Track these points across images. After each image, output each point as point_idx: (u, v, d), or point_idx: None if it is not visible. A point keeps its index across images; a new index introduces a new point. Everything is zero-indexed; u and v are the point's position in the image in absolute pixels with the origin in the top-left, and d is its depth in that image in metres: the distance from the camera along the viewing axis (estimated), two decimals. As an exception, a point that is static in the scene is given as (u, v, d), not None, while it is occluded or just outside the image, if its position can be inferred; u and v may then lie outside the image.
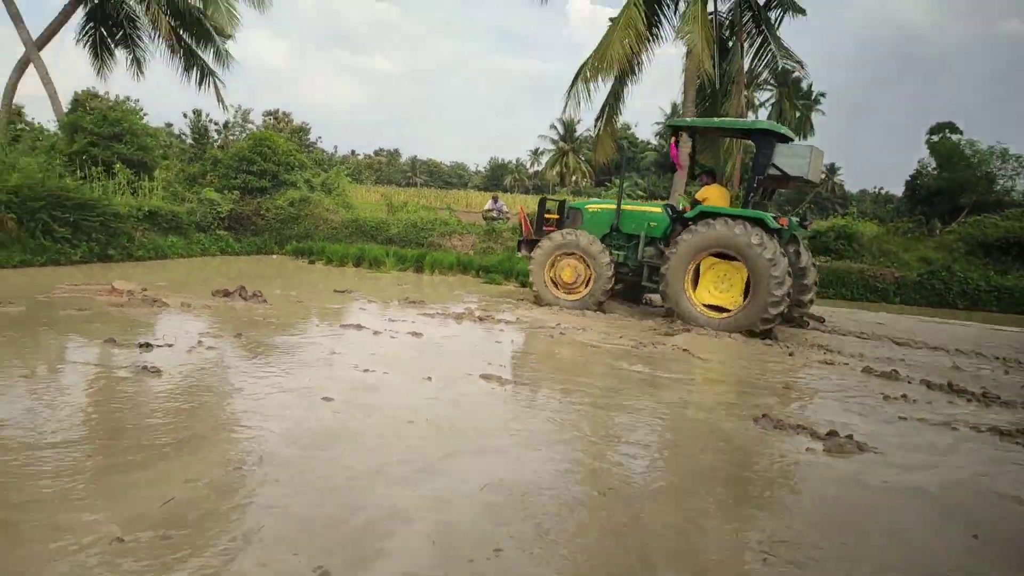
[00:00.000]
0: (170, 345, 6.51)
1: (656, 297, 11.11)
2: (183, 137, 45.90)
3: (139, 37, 26.79)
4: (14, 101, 24.21)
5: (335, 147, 56.41)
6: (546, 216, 11.39)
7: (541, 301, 10.69)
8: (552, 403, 5.48)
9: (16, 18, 22.57)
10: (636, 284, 10.69)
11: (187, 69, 26.11)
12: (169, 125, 44.96)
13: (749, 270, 9.02)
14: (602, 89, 20.93)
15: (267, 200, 18.26)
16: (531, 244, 11.12)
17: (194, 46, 25.97)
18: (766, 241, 8.88)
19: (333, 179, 20.89)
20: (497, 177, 77.36)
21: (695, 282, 9.55)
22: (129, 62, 27.09)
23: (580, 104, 20.43)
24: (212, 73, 26.16)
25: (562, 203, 11.58)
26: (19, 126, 27.92)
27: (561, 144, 66.51)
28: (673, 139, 10.86)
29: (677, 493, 3.88)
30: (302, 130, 51.63)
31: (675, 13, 20.86)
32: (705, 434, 4.98)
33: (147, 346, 6.35)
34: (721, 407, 5.71)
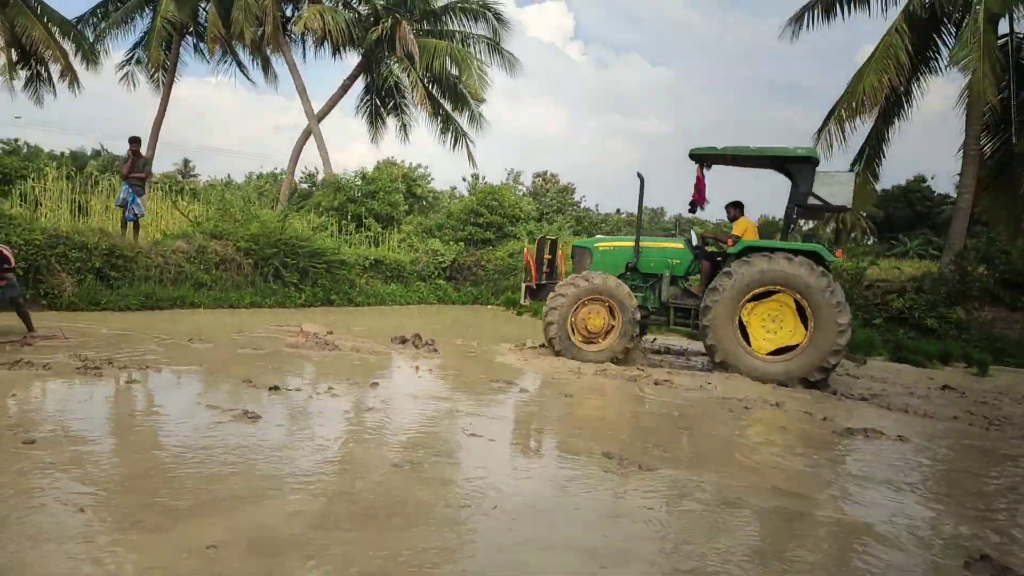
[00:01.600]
0: (299, 390, 6.28)
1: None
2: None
3: (406, 105, 29.63)
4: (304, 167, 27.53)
5: (596, 205, 57.27)
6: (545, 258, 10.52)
7: (560, 354, 9.20)
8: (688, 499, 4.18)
9: (302, 93, 26.02)
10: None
11: (443, 132, 28.26)
12: (453, 188, 48.57)
13: (812, 311, 8.23)
14: (861, 129, 18.40)
15: (489, 251, 18.53)
16: (536, 291, 10.23)
17: (451, 110, 28.08)
18: (832, 281, 8.25)
19: (554, 233, 20.74)
20: (765, 235, 72.78)
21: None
22: (398, 128, 30.12)
23: (832, 147, 18.11)
24: (465, 135, 28.01)
25: (553, 242, 10.92)
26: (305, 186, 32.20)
27: (838, 198, 60.63)
28: (699, 170, 9.31)
29: None
30: (566, 190, 53.35)
31: (955, 37, 17.73)
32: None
33: (275, 389, 6.16)
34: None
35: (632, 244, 9.71)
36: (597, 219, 52.47)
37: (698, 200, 9.31)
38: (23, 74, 24.27)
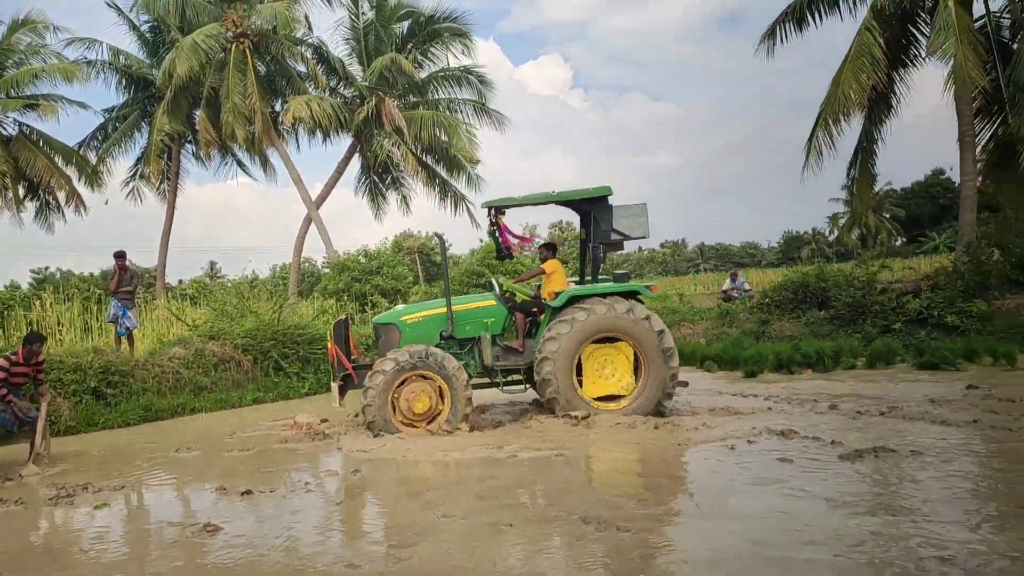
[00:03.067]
0: (272, 491, 6.04)
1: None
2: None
3: (403, 178, 30.02)
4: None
5: (613, 246, 57.14)
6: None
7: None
8: None
9: (297, 182, 26.44)
10: None
11: (443, 198, 28.51)
12: (472, 251, 48.66)
13: (639, 349, 8.29)
14: (848, 132, 18.05)
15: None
16: (349, 380, 8.87)
17: (447, 177, 28.35)
18: (651, 314, 8.37)
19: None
20: (793, 250, 72.45)
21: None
22: (399, 201, 30.43)
23: (822, 154, 17.78)
24: (463, 198, 28.21)
25: (346, 322, 9.47)
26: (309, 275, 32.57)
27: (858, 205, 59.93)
28: (492, 220, 8.85)
29: None
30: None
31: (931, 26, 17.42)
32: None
33: (248, 493, 5.95)
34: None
35: (443, 311, 8.80)
36: (619, 260, 52.18)
37: (507, 247, 9.02)
38: (31, 206, 25.06)
